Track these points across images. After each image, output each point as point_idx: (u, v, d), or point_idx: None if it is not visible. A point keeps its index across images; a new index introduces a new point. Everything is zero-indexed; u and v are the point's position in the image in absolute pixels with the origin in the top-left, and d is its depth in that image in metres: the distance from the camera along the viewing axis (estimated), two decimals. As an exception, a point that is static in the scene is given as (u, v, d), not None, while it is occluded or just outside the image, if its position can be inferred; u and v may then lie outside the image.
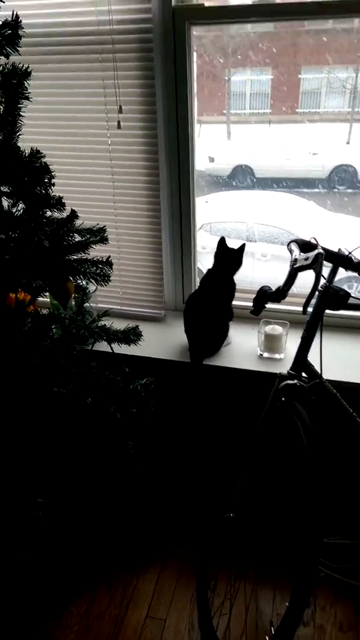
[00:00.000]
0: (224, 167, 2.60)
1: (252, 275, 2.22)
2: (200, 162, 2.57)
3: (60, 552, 1.53)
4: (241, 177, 2.57)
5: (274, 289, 1.23)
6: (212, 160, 2.62)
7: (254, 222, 2.56)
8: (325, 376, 1.29)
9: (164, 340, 1.74)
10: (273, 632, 1.12)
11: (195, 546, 1.67)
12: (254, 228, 2.58)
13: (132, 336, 1.39)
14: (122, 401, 1.23)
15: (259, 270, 2.52)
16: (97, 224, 1.24)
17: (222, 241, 1.60)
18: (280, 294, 1.19)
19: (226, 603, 1.47)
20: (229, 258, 1.60)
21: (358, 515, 1.64)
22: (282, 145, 2.50)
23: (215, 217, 2.59)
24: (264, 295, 1.25)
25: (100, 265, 1.15)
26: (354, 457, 1.53)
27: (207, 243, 2.59)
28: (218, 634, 1.39)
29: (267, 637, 1.18)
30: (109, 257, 1.23)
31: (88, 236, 1.16)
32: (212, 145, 2.59)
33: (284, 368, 1.54)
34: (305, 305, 1.12)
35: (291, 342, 1.56)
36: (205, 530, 1.56)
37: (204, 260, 2.56)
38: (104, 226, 1.25)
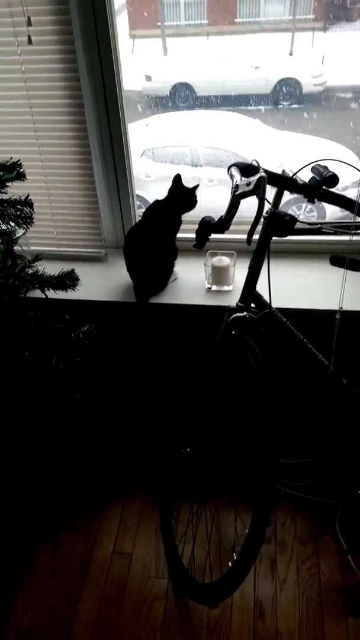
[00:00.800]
0: (162, 86, 2.43)
1: (199, 202, 2.17)
2: (136, 81, 2.40)
3: (18, 503, 1.51)
4: (181, 97, 2.42)
5: (216, 218, 1.14)
6: (149, 78, 2.43)
7: (198, 145, 2.45)
8: (274, 305, 1.26)
9: (106, 281, 1.64)
10: (235, 557, 1.16)
11: (156, 480, 1.70)
12: (198, 151, 2.47)
13: (67, 281, 1.28)
14: (64, 351, 1.15)
15: (207, 196, 2.44)
16: (11, 157, 1.08)
17: (177, 179, 1.49)
18: (223, 224, 1.10)
19: (190, 531, 1.51)
20: (183, 197, 1.50)
21: (312, 435, 1.70)
22: (222, 59, 2.33)
23: (157, 141, 2.46)
24: (207, 227, 1.16)
25: (19, 206, 1.01)
26: (305, 381, 1.55)
27: (151, 170, 2.48)
28: (183, 560, 1.45)
29: (231, 558, 1.22)
30: (28, 196, 1.08)
31: (1, 173, 1.00)
32: (148, 62, 2.40)
33: (234, 300, 1.50)
34: (250, 235, 1.05)
35: (239, 273, 1.51)
36: (164, 465, 1.57)
37: (150, 190, 2.44)
38: (19, 160, 1.09)
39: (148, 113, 2.39)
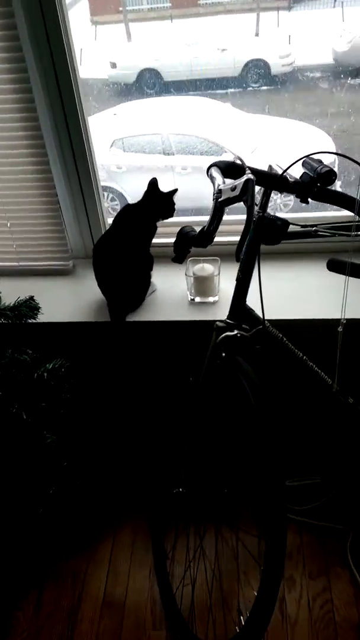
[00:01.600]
0: (127, 72, 2.34)
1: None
2: (101, 69, 2.27)
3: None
4: (149, 83, 2.33)
5: (197, 229, 0.97)
6: (113, 65, 2.33)
7: (169, 133, 2.37)
8: (267, 316, 1.09)
9: (75, 298, 1.46)
10: (242, 621, 1.02)
11: (147, 519, 1.54)
12: (169, 139, 2.39)
13: (25, 310, 1.09)
14: (26, 396, 0.97)
15: (181, 185, 2.34)
16: None
17: (153, 184, 1.34)
18: (205, 236, 0.93)
19: (188, 572, 1.36)
20: (160, 203, 1.34)
21: (316, 455, 1.56)
22: (187, 43, 2.27)
23: (127, 130, 2.37)
24: (186, 239, 0.99)
25: None
26: (307, 400, 1.41)
27: (122, 161, 2.36)
28: (183, 606, 1.30)
29: (237, 620, 1.08)
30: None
31: None
32: (112, 48, 2.32)
33: (220, 312, 1.35)
34: (239, 250, 0.89)
35: (225, 281, 1.34)
36: (155, 509, 1.41)
37: (122, 182, 2.31)
38: None
39: (115, 101, 2.30)
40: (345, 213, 1.12)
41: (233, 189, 0.90)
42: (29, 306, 1.09)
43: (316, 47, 2.32)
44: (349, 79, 2.27)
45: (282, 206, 2.17)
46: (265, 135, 2.38)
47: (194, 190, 2.30)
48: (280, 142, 2.37)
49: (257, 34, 2.27)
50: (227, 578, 1.39)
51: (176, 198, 1.37)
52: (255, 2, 2.06)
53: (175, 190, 1.36)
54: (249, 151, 2.47)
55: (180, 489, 1.20)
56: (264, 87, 2.32)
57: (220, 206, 0.92)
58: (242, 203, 0.91)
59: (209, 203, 0.92)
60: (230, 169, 1.00)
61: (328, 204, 1.06)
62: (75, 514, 1.47)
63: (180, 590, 1.33)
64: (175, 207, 1.37)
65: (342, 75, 2.31)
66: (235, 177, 0.99)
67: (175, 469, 1.23)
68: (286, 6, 2.15)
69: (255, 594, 0.96)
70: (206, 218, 0.91)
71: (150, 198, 1.33)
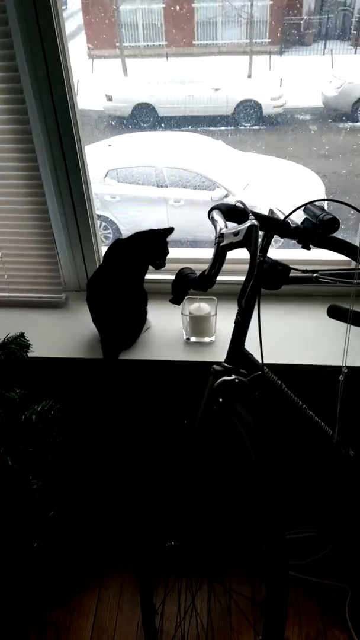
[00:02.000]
0: (123, 105, 2.43)
1: (167, 224, 2.06)
2: (97, 101, 2.31)
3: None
4: (144, 117, 2.40)
5: (197, 273, 0.95)
6: (109, 98, 2.42)
7: (163, 166, 2.43)
8: (266, 360, 1.06)
9: (67, 332, 1.41)
10: None
11: (137, 573, 1.46)
12: (163, 172, 2.45)
13: (15, 348, 1.04)
14: (12, 441, 0.92)
15: (174, 217, 2.43)
16: None
17: (169, 231, 1.29)
18: (206, 279, 0.91)
19: (179, 630, 1.29)
20: (158, 251, 1.29)
21: (312, 506, 1.51)
22: (183, 80, 2.36)
23: (121, 162, 2.44)
24: (186, 281, 0.97)
25: None
26: (306, 450, 1.37)
27: (116, 191, 2.38)
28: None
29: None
30: None
31: None
32: (108, 82, 2.39)
33: (216, 353, 1.32)
34: (242, 296, 0.86)
35: (222, 321, 1.32)
36: (144, 562, 1.34)
37: (116, 212, 2.32)
38: None
39: (109, 133, 2.37)
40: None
41: (236, 234, 0.88)
42: (19, 344, 1.05)
43: (306, 91, 2.41)
44: (338, 122, 2.34)
45: (272, 242, 2.19)
46: (256, 172, 2.43)
47: (187, 223, 2.32)
48: (272, 180, 2.43)
49: (249, 76, 2.36)
50: (220, 636, 1.31)
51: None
52: (248, 46, 2.13)
53: (171, 230, 1.30)
54: (241, 187, 2.51)
55: (172, 542, 1.13)
56: (256, 127, 2.41)
57: (222, 250, 0.90)
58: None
59: (203, 236, 0.91)
60: (232, 213, 0.98)
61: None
62: (60, 565, 1.38)
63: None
64: (168, 239, 1.31)
65: (331, 119, 2.39)
66: (236, 221, 0.98)
67: (167, 520, 1.16)
68: (277, 51, 2.21)
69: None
70: (200, 251, 0.89)
71: (153, 238, 1.29)
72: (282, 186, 2.43)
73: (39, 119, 1.26)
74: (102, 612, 1.38)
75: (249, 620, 1.22)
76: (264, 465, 0.99)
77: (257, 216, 0.98)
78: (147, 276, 1.35)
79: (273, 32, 2.14)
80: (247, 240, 0.87)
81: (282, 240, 2.08)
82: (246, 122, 2.37)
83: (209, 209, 1.01)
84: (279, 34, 2.17)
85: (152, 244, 1.28)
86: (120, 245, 1.32)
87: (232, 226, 0.92)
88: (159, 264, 1.29)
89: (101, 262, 1.54)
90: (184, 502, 1.15)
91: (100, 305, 1.33)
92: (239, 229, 0.88)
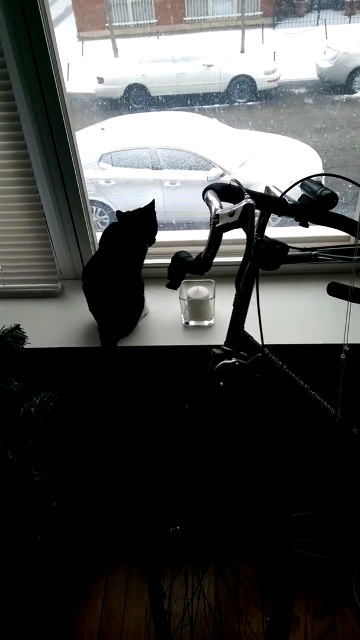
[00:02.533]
0: (115, 87, 2.36)
1: (163, 206, 2.04)
2: (88, 84, 2.26)
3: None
4: (136, 98, 2.35)
5: (193, 256, 0.92)
6: (101, 81, 2.35)
7: (157, 147, 2.39)
8: (266, 342, 1.04)
9: (64, 321, 1.39)
10: None
11: (143, 558, 1.46)
12: (158, 154, 2.41)
13: (10, 340, 1.02)
14: (11, 434, 0.91)
15: (170, 199, 2.38)
16: None
17: (152, 205, 1.27)
18: (203, 262, 0.88)
19: (187, 612, 1.30)
20: (148, 227, 1.27)
21: (317, 484, 1.51)
22: (174, 58, 2.31)
23: (115, 145, 2.39)
24: (182, 265, 0.95)
25: None
26: (309, 430, 1.36)
27: (110, 175, 2.35)
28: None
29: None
30: None
31: None
32: (99, 64, 2.34)
33: (216, 336, 1.30)
34: (239, 277, 0.84)
35: (220, 303, 1.30)
36: (150, 548, 1.34)
37: (111, 196, 2.28)
38: None
39: (102, 116, 2.32)
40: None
41: (231, 214, 0.86)
42: (15, 336, 1.03)
43: (300, 63, 2.35)
44: (333, 94, 2.29)
45: (270, 221, 2.16)
46: (252, 150, 2.38)
47: (184, 204, 2.29)
48: (268, 157, 2.38)
49: (242, 51, 2.30)
50: (228, 617, 1.32)
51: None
52: (239, 20, 2.07)
53: (152, 204, 1.28)
54: (237, 166, 2.47)
55: (178, 527, 1.13)
56: (250, 103, 2.36)
57: (217, 232, 0.87)
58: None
59: (200, 217, 0.88)
60: (227, 192, 0.95)
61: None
62: (66, 555, 1.39)
63: (179, 631, 1.26)
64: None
65: (326, 91, 2.33)
66: (232, 200, 0.95)
67: (172, 504, 1.16)
68: (270, 23, 2.17)
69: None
70: (197, 232, 0.87)
71: (142, 216, 1.27)
72: (279, 162, 2.39)
73: (27, 105, 1.22)
74: (110, 598, 1.39)
75: (256, 601, 1.23)
76: (267, 447, 0.99)
77: (253, 195, 0.95)
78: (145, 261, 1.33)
79: (265, 5, 2.09)
80: (243, 221, 0.84)
81: (280, 218, 2.05)
82: (240, 98, 2.32)
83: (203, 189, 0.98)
84: (271, 6, 2.11)
85: (143, 222, 1.26)
86: (113, 230, 1.29)
87: (228, 206, 0.89)
88: (151, 240, 1.28)
89: (97, 249, 1.51)
90: (188, 487, 1.15)
91: (97, 293, 1.31)
92: (234, 208, 0.86)
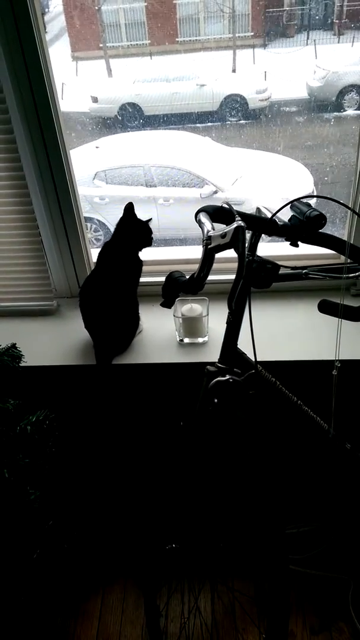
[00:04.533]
0: (109, 106, 2.42)
1: (157, 223, 2.05)
2: (82, 103, 2.30)
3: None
4: (130, 117, 2.39)
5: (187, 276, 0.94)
6: (95, 100, 2.40)
7: (151, 165, 2.43)
8: (259, 358, 1.06)
9: (59, 339, 1.41)
10: None
11: (139, 577, 1.45)
12: (151, 171, 2.45)
13: (7, 360, 1.04)
14: (7, 453, 0.91)
15: (164, 216, 2.41)
16: None
17: (129, 209, 1.29)
18: (196, 282, 0.90)
19: (184, 631, 1.29)
20: (136, 231, 1.30)
21: (312, 500, 1.51)
22: (167, 78, 2.37)
23: (109, 163, 2.43)
24: (176, 284, 0.96)
25: None
26: (302, 445, 1.37)
27: (105, 192, 2.37)
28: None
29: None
30: None
31: None
32: (93, 83, 2.38)
33: (210, 353, 1.31)
34: (232, 297, 0.86)
35: (214, 320, 1.32)
36: (147, 562, 1.34)
37: (106, 213, 2.30)
38: None
39: (96, 135, 2.36)
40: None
41: (223, 236, 0.88)
42: (11, 355, 1.04)
43: (291, 82, 2.40)
44: (324, 113, 2.34)
45: (263, 236, 2.19)
46: (244, 167, 2.42)
47: (177, 221, 2.32)
48: (260, 174, 2.42)
49: (234, 70, 2.34)
50: (224, 636, 1.31)
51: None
52: (231, 40, 2.10)
53: (149, 220, 1.32)
54: (230, 183, 2.51)
55: (173, 545, 1.14)
56: (242, 121, 2.40)
57: (210, 253, 0.90)
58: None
59: (193, 234, 0.90)
60: (219, 214, 0.98)
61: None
62: (62, 574, 1.38)
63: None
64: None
65: (317, 110, 2.38)
66: (224, 222, 0.97)
67: (168, 522, 1.16)
68: (261, 44, 2.21)
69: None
70: (191, 249, 0.89)
71: (126, 225, 1.29)
72: (271, 180, 2.42)
73: (22, 124, 1.24)
74: (107, 617, 1.38)
75: (251, 618, 1.23)
76: (261, 463, 1.00)
77: (244, 216, 0.98)
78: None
79: (255, 26, 2.13)
80: (234, 242, 0.86)
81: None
82: (232, 117, 2.36)
83: (197, 208, 1.00)
84: (261, 27, 2.16)
85: (137, 231, 1.30)
86: (108, 245, 1.32)
87: (220, 228, 0.91)
88: (148, 241, 1.31)
89: (92, 267, 1.53)
90: (183, 505, 1.15)
91: (93, 311, 1.32)
92: (225, 230, 0.88)
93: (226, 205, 0.97)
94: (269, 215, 1.00)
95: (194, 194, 2.38)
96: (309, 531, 1.45)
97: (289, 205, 1.00)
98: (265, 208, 1.04)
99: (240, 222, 0.88)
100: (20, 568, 1.07)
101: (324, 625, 1.32)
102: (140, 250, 1.32)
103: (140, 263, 1.33)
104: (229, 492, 1.19)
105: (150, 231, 1.32)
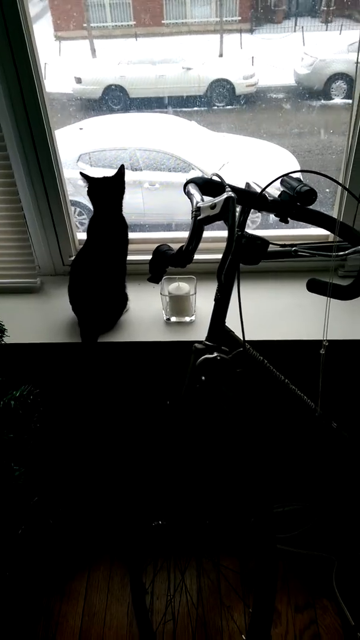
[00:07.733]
0: (93, 88, 2.36)
1: (143, 208, 2.01)
2: (66, 84, 2.24)
3: None
4: (114, 99, 2.34)
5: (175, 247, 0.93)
6: (79, 81, 2.34)
7: (136, 148, 2.37)
8: (248, 337, 1.05)
9: (43, 317, 1.38)
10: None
11: (125, 554, 1.45)
12: (137, 155, 2.38)
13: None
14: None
15: (150, 201, 2.36)
16: None
17: (86, 178, 1.30)
18: (184, 255, 0.89)
19: (169, 608, 1.29)
20: (103, 189, 1.30)
21: (298, 480, 1.53)
22: (153, 61, 2.30)
23: (93, 145, 2.36)
24: (163, 258, 0.95)
25: None
26: (290, 424, 1.38)
27: (89, 175, 2.31)
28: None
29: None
30: None
31: None
32: (77, 64, 2.32)
33: (197, 331, 1.31)
34: (221, 270, 0.85)
35: (202, 299, 1.31)
36: (133, 539, 1.34)
37: None
38: None
39: (80, 116, 2.30)
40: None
41: (213, 207, 0.87)
42: (-5, 329, 1.02)
43: (279, 69, 2.38)
44: (311, 100, 2.34)
45: (249, 223, 2.18)
46: (231, 153, 2.40)
47: (163, 206, 2.29)
48: (247, 160, 2.41)
49: (221, 55, 2.31)
50: (210, 613, 1.32)
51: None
52: (218, 24, 2.08)
53: (122, 167, 1.32)
54: (216, 168, 2.49)
55: (160, 522, 1.13)
56: (229, 107, 2.37)
57: (199, 225, 0.88)
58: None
59: (179, 219, 0.88)
60: (208, 186, 0.96)
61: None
62: (47, 551, 1.37)
63: (162, 627, 1.25)
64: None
65: (304, 97, 2.37)
66: (213, 194, 0.96)
67: (154, 499, 1.16)
68: (248, 29, 2.18)
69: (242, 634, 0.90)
70: (178, 234, 0.87)
71: (93, 189, 1.31)
72: (258, 166, 2.41)
73: (7, 103, 1.21)
74: (92, 595, 1.38)
75: (238, 594, 1.24)
76: (249, 441, 1.00)
77: (234, 189, 0.97)
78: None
79: (243, 10, 2.11)
80: (224, 213, 0.85)
81: (259, 220, 2.08)
82: (219, 102, 2.33)
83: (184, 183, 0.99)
84: (249, 12, 2.14)
85: (108, 187, 1.31)
86: (94, 219, 1.30)
87: (209, 199, 0.90)
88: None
89: (77, 245, 1.51)
90: (170, 482, 1.15)
91: (81, 287, 1.30)
92: (215, 201, 0.86)
93: (216, 177, 0.96)
94: (259, 190, 0.99)
95: (180, 179, 2.35)
96: (294, 510, 1.47)
97: (279, 181, 0.99)
98: (255, 183, 1.03)
99: (230, 192, 0.86)
100: (5, 544, 1.06)
101: (309, 603, 1.34)
102: (119, 206, 1.31)
103: (125, 226, 1.31)
104: (216, 470, 1.19)
105: (120, 180, 1.31)
